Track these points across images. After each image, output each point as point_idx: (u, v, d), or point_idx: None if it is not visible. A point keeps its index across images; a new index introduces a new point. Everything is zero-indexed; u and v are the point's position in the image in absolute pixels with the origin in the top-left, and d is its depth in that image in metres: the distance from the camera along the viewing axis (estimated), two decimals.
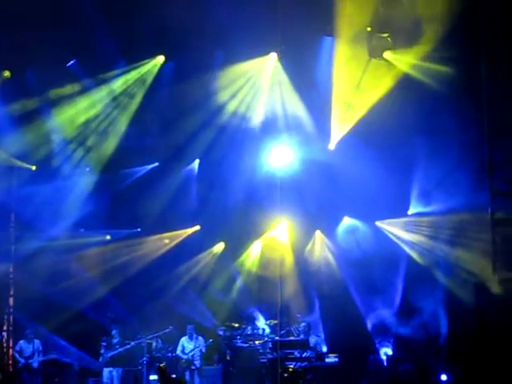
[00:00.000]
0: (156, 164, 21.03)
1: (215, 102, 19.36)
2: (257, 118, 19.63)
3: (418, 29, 17.01)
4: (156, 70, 19.48)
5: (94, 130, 19.96)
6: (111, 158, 20.29)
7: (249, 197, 19.97)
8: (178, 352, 18.69)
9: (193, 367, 18.46)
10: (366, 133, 18.27)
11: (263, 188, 19.63)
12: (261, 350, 18.15)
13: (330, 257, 20.59)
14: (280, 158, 19.86)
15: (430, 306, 18.22)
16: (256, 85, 19.42)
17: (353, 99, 18.37)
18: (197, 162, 21.20)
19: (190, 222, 21.34)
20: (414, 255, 18.98)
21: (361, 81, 18.09)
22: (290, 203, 19.23)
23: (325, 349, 18.44)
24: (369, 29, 17.38)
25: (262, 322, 19.59)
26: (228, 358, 18.57)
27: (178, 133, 19.81)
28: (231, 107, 19.46)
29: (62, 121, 19.62)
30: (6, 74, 18.67)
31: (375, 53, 17.60)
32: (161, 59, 19.36)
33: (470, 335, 16.70)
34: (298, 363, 17.48)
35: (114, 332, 18.51)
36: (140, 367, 18.35)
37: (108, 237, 21.52)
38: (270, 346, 18.03)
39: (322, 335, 19.04)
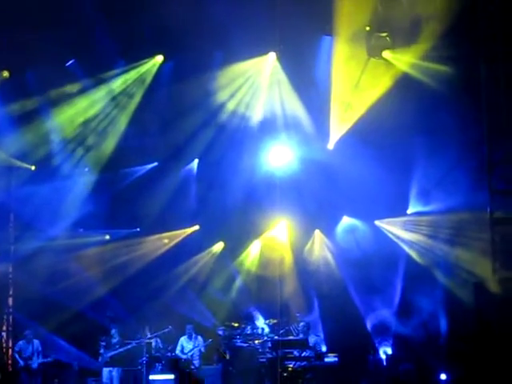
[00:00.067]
0: (155, 164, 21.02)
1: (214, 101, 19.36)
2: (256, 118, 19.62)
3: (417, 28, 17.00)
4: (155, 69, 19.47)
5: (93, 129, 19.95)
6: (110, 158, 20.28)
7: (248, 196, 19.96)
8: (178, 352, 18.71)
9: (192, 367, 18.46)
10: (365, 132, 18.25)
11: (262, 188, 19.62)
12: (260, 350, 18.14)
13: (330, 256, 20.58)
14: (279, 158, 19.87)
15: (429, 306, 18.22)
16: (255, 84, 19.42)
17: (352, 98, 18.36)
18: (196, 161, 21.18)
19: (189, 222, 21.33)
20: (414, 254, 18.98)
21: (360, 80, 18.09)
22: (289, 203, 19.23)
23: (324, 348, 18.42)
24: (368, 28, 17.37)
25: (261, 322, 19.57)
26: (227, 357, 18.57)
27: (177, 132, 19.80)
28: (230, 107, 19.46)
29: (61, 121, 19.60)
30: (5, 74, 18.64)
31: (374, 52, 17.60)
32: (160, 59, 19.35)
33: (469, 335, 16.67)
34: (298, 363, 17.47)
35: (113, 332, 18.52)
36: (139, 367, 18.35)
37: (107, 237, 21.51)
38: (270, 345, 18.00)
39: (322, 335, 19.02)
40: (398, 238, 19.41)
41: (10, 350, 19.61)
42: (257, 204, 19.87)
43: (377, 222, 19.80)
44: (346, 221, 20.58)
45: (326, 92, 18.38)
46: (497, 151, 16.34)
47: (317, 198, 19.55)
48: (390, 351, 19.04)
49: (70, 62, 18.89)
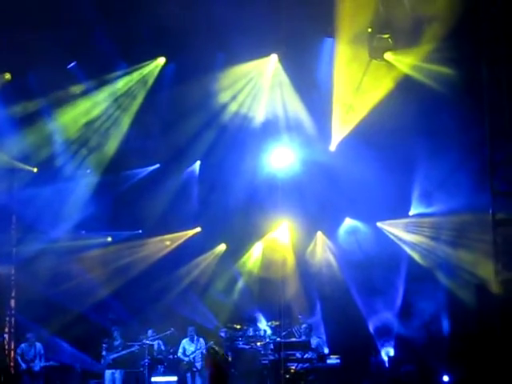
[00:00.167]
0: (157, 165, 21.05)
1: (216, 103, 19.35)
2: (258, 120, 19.63)
3: (419, 30, 17.00)
4: (157, 71, 19.47)
5: (95, 131, 19.96)
6: (112, 160, 20.30)
7: (250, 198, 19.97)
8: (180, 354, 18.72)
9: (194, 369, 18.47)
10: (366, 134, 18.25)
11: (264, 189, 19.60)
12: (262, 352, 18.12)
13: (332, 258, 20.59)
14: (281, 160, 19.77)
15: (431, 307, 18.22)
16: (257, 86, 19.42)
17: (354, 100, 18.37)
18: (198, 163, 21.21)
19: (191, 224, 21.36)
20: (416, 256, 18.99)
21: (361, 82, 18.09)
22: (291, 204, 19.20)
23: (326, 350, 18.40)
24: (369, 30, 17.35)
25: (263, 324, 19.58)
26: (229, 359, 18.56)
27: (179, 134, 19.81)
28: (232, 108, 19.46)
29: (63, 122, 19.61)
30: (7, 76, 18.65)
31: (376, 54, 17.59)
32: (162, 60, 19.35)
33: (471, 336, 16.69)
34: (300, 364, 17.45)
35: (115, 334, 18.53)
36: (142, 369, 18.34)
37: (109, 238, 21.54)
38: (272, 347, 18.00)
39: (324, 336, 19.02)
40: (400, 239, 19.41)
41: (12, 353, 19.60)
42: (259, 206, 19.87)
43: (379, 224, 19.81)
44: (348, 222, 20.60)
45: (328, 94, 18.38)
46: (499, 153, 16.34)
47: (319, 199, 19.55)
48: (392, 353, 19.04)
49: (72, 64, 18.87)
